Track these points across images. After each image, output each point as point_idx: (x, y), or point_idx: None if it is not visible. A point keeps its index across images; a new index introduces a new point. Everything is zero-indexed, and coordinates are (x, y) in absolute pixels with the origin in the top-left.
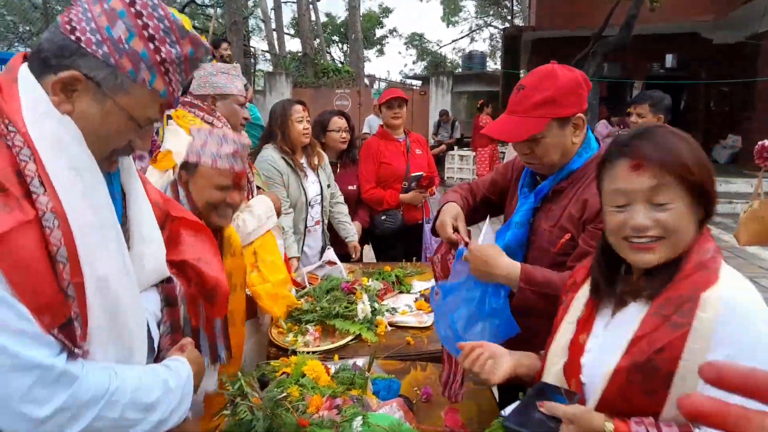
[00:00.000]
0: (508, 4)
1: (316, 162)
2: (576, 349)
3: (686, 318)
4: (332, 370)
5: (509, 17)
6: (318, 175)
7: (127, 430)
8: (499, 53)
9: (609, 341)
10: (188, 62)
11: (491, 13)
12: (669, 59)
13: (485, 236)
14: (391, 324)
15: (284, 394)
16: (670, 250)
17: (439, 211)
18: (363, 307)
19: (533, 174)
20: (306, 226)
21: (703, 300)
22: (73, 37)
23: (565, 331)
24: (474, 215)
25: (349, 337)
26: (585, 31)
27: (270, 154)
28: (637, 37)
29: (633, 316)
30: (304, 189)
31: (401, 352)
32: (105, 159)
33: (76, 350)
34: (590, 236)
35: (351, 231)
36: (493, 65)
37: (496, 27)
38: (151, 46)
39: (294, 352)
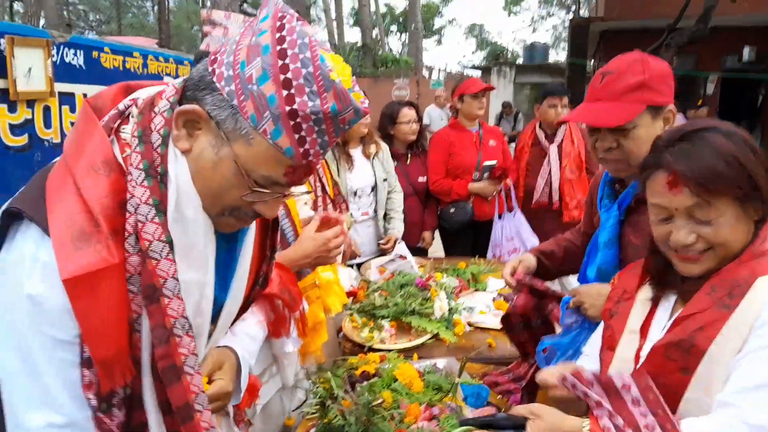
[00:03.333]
0: None
1: (372, 151)
2: (639, 359)
3: (735, 300)
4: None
5: (573, 7)
6: (373, 166)
7: None
8: (562, 44)
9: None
10: (330, 120)
11: (555, 3)
12: (746, 52)
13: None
14: (469, 324)
15: (380, 401)
16: (718, 259)
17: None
18: (440, 305)
19: (612, 183)
20: (352, 216)
21: (756, 287)
22: (210, 69)
23: (628, 341)
24: (577, 259)
25: (427, 336)
26: (658, 22)
27: None
28: (712, 29)
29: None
30: (343, 180)
31: (482, 355)
32: (221, 219)
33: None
34: None
35: (396, 225)
36: (555, 56)
37: (559, 17)
38: (284, 92)
39: (371, 349)
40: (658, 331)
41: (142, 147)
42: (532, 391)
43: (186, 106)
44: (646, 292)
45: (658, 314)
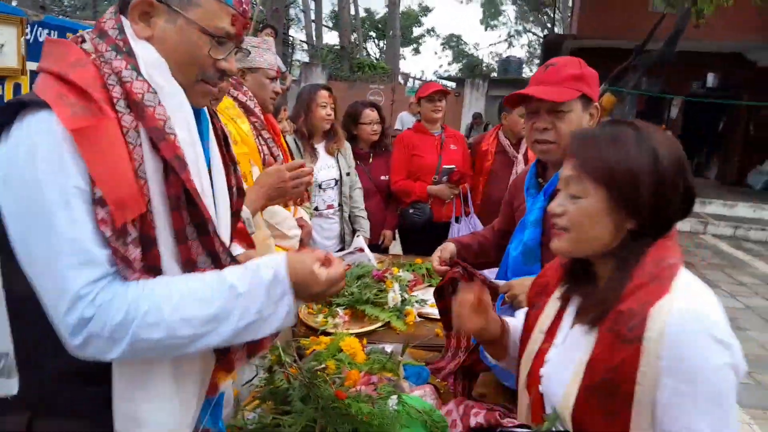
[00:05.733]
0: (549, 12)
1: (334, 148)
2: (539, 358)
3: (635, 333)
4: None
5: (549, 24)
6: (338, 161)
7: (190, 347)
8: (536, 60)
9: (564, 355)
10: None
11: (531, 19)
12: (710, 78)
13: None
14: (420, 315)
15: (322, 366)
16: (572, 245)
17: None
18: (393, 296)
19: (536, 177)
20: (317, 209)
21: (651, 315)
22: None
23: (535, 340)
24: (490, 253)
25: (379, 324)
26: (627, 43)
27: None
28: (680, 53)
29: (587, 330)
30: None
31: (430, 343)
32: (194, 86)
33: (126, 269)
34: None
35: (363, 225)
36: (529, 72)
37: (535, 34)
38: None
39: (324, 333)
40: (561, 338)
41: (103, 39)
42: (467, 374)
43: (135, 0)
44: (561, 290)
45: (564, 319)
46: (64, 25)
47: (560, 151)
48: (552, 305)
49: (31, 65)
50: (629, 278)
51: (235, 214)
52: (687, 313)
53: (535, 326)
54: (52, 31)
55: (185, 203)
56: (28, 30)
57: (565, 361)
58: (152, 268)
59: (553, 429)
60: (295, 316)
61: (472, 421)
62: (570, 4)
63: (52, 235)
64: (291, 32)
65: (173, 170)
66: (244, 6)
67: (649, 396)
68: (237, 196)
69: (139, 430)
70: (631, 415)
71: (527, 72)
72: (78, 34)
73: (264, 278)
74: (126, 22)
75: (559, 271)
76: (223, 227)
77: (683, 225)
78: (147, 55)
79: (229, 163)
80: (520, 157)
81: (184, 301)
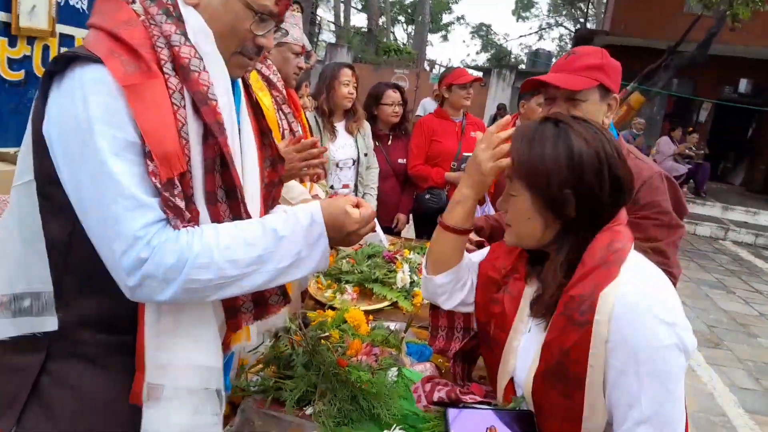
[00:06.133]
0: (583, 7)
1: (354, 127)
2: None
3: (586, 316)
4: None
5: (582, 19)
6: (356, 141)
7: (235, 286)
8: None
9: (529, 342)
10: None
11: (564, 13)
12: (743, 84)
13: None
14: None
15: (326, 334)
16: (515, 239)
17: None
18: (402, 277)
19: None
20: (333, 187)
21: (600, 299)
22: None
23: (511, 338)
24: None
25: (386, 303)
26: (660, 42)
27: None
28: (713, 57)
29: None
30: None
31: None
32: (231, 58)
33: (175, 219)
34: (632, 227)
35: (370, 201)
36: None
37: (566, 28)
38: None
39: (331, 308)
40: (524, 326)
41: (154, 2)
42: (466, 358)
43: None
44: (526, 278)
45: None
46: None
47: None
48: (527, 296)
49: (62, 28)
50: (575, 266)
51: (270, 185)
52: (633, 295)
53: (516, 316)
54: None
55: (219, 167)
56: None
57: (529, 347)
58: (192, 223)
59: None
60: (327, 260)
61: (435, 396)
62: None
63: (105, 180)
64: (319, 11)
65: (212, 134)
66: None
67: (600, 377)
68: (272, 166)
69: (169, 376)
70: (585, 395)
71: None
72: None
73: (302, 222)
74: None
75: (511, 257)
76: (250, 196)
77: (703, 230)
78: (195, 21)
79: (262, 133)
80: None
81: (231, 244)
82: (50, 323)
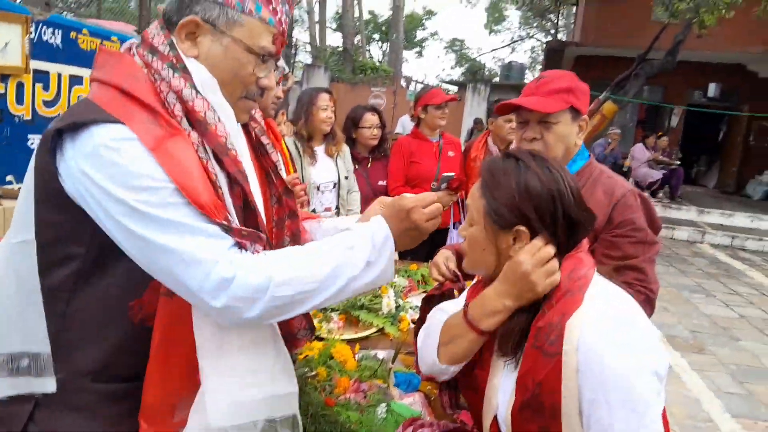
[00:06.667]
0: (553, 18)
1: (333, 151)
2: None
3: (555, 347)
4: (356, 358)
5: (553, 31)
6: (336, 164)
7: (314, 299)
8: (538, 66)
9: (506, 379)
10: None
11: (535, 25)
12: (712, 88)
13: None
14: (414, 321)
15: (313, 373)
16: (471, 266)
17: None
18: (388, 302)
19: None
20: (315, 211)
21: (567, 328)
22: None
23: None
24: None
25: (373, 329)
26: (629, 51)
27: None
28: (681, 63)
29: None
30: (307, 174)
31: None
32: (237, 103)
33: (245, 242)
34: (608, 246)
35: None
36: (531, 77)
37: (538, 39)
38: None
39: (318, 338)
40: (502, 363)
41: (156, 56)
42: (453, 385)
43: (184, 20)
44: None
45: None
46: (69, 25)
47: None
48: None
49: (36, 64)
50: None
51: (280, 222)
52: (598, 324)
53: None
54: (56, 30)
55: (243, 211)
56: (32, 28)
57: (507, 383)
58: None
59: None
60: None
61: None
62: (574, 11)
63: (169, 227)
64: (294, 33)
65: (236, 182)
66: (283, 25)
67: (575, 407)
68: (278, 203)
69: (241, 414)
70: (562, 427)
71: (529, 77)
72: (127, 46)
73: (367, 231)
74: (175, 39)
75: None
76: None
77: (680, 234)
78: (200, 73)
79: (266, 171)
80: None
81: (307, 260)
82: (50, 384)
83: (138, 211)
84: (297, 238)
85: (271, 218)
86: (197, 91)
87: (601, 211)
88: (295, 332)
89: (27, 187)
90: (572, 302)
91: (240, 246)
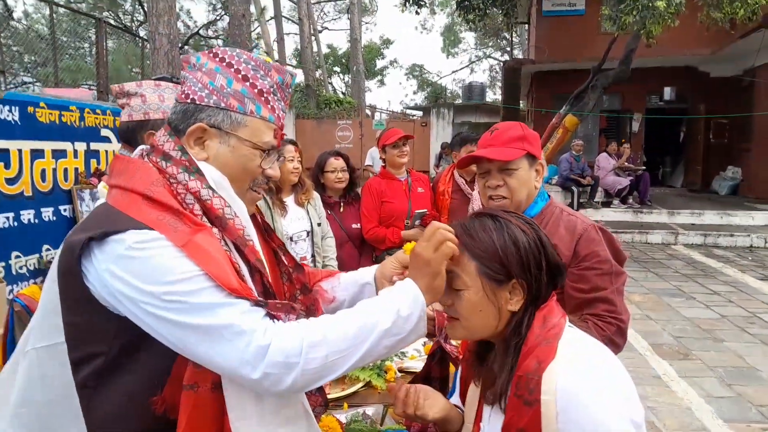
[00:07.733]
0: (508, 36)
1: (303, 199)
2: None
3: (534, 395)
4: (343, 420)
5: (508, 49)
6: (308, 212)
7: (347, 359)
8: (498, 84)
9: (493, 428)
10: (281, 88)
11: (490, 44)
12: (667, 92)
13: None
14: (400, 370)
15: None
16: (463, 332)
17: None
18: None
19: None
20: None
21: (544, 378)
22: (188, 101)
23: (467, 429)
24: None
25: (359, 384)
26: (584, 64)
27: None
28: (636, 71)
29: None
30: (279, 226)
31: None
32: (245, 195)
33: (279, 314)
34: (576, 279)
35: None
36: (493, 95)
37: (495, 58)
38: (247, 83)
39: None
40: (487, 415)
41: (170, 162)
42: None
43: (192, 127)
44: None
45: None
46: (26, 100)
47: (513, 205)
48: (472, 389)
49: None
50: (519, 347)
51: (292, 299)
52: (574, 369)
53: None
54: (13, 107)
55: (263, 297)
56: None
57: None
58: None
59: None
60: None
61: None
62: (527, 28)
63: (204, 312)
64: None
65: (257, 270)
66: (282, 121)
67: None
68: (289, 281)
69: None
70: None
71: (490, 96)
72: (138, 153)
73: (393, 288)
74: (185, 145)
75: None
76: None
77: (654, 237)
78: (211, 173)
79: (274, 252)
80: (475, 194)
81: (337, 320)
82: None
83: (173, 301)
84: (312, 311)
85: (282, 295)
86: (213, 190)
87: (566, 246)
88: (313, 408)
89: (49, 296)
90: (548, 351)
91: (273, 317)
